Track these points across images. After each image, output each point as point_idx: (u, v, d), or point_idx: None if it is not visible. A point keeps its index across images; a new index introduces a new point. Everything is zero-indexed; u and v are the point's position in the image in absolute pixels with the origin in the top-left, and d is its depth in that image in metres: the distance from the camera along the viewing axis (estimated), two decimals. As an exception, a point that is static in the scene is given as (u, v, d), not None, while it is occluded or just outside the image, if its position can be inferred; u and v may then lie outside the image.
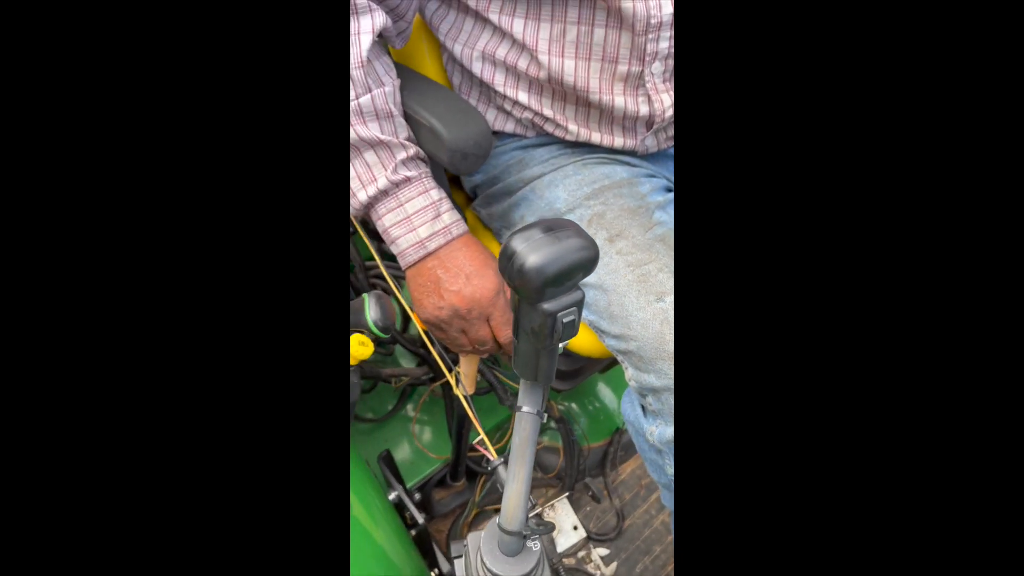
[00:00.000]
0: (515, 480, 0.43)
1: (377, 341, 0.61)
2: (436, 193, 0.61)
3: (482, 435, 0.66)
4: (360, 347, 0.61)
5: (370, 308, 0.51)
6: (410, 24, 0.64)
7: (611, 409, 1.30)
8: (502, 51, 0.65)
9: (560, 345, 0.39)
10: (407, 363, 1.14)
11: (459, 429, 0.91)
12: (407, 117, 0.61)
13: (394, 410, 1.08)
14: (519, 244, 0.34)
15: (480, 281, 0.61)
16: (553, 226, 0.35)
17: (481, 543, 0.45)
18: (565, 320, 0.35)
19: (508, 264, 0.34)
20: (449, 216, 0.61)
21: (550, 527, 0.47)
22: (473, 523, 1.08)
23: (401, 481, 0.90)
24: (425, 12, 0.69)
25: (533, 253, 0.33)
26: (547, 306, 0.34)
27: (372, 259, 0.97)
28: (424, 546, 0.77)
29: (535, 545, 0.44)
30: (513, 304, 0.38)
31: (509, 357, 0.92)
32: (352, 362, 0.63)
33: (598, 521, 1.12)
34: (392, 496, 0.77)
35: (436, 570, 0.79)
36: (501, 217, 0.76)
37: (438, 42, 0.73)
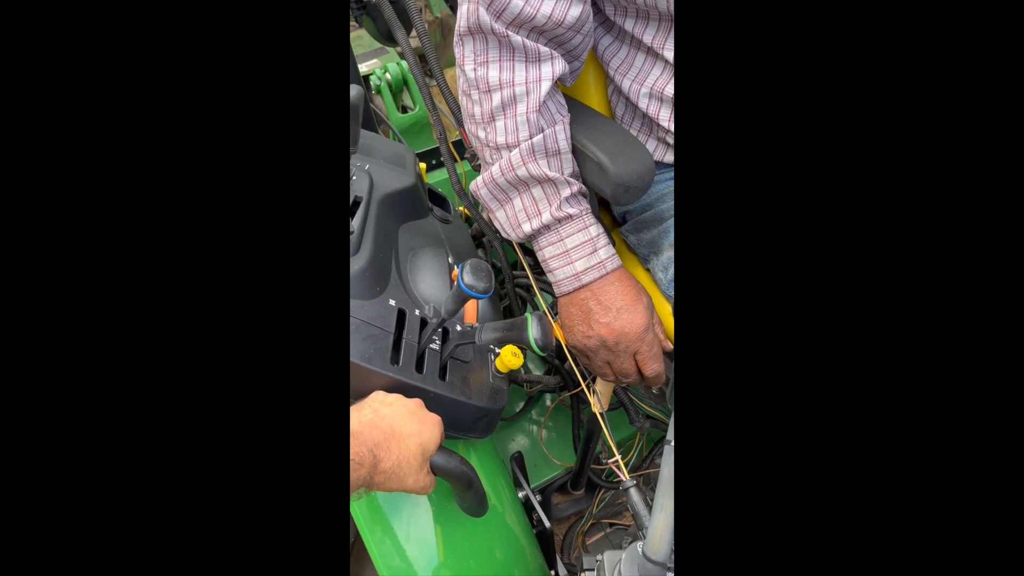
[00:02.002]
0: (662, 511, 0.45)
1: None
2: (595, 229, 0.64)
3: (617, 457, 0.69)
4: (512, 358, 0.66)
5: (533, 327, 0.55)
6: (583, 64, 0.68)
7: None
8: (671, 88, 0.66)
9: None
10: (536, 368, 1.19)
11: (587, 441, 0.94)
12: (574, 150, 0.65)
13: (522, 411, 1.14)
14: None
15: (630, 316, 0.63)
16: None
17: (621, 565, 0.48)
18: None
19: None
20: (605, 252, 0.64)
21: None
22: (588, 532, 1.10)
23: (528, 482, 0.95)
24: (597, 47, 0.73)
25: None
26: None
27: (516, 267, 1.03)
28: (545, 546, 0.81)
29: (674, 577, 0.46)
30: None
31: (651, 389, 0.93)
32: (503, 370, 0.68)
33: None
34: (521, 495, 0.82)
35: (554, 571, 0.83)
36: (650, 244, 0.78)
37: (604, 73, 0.76)
